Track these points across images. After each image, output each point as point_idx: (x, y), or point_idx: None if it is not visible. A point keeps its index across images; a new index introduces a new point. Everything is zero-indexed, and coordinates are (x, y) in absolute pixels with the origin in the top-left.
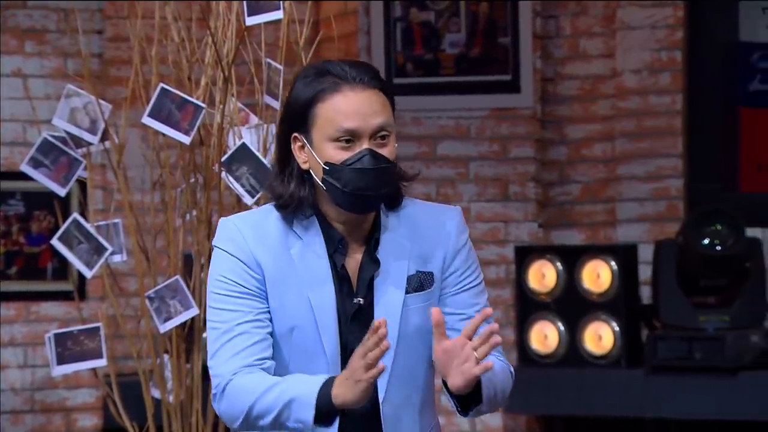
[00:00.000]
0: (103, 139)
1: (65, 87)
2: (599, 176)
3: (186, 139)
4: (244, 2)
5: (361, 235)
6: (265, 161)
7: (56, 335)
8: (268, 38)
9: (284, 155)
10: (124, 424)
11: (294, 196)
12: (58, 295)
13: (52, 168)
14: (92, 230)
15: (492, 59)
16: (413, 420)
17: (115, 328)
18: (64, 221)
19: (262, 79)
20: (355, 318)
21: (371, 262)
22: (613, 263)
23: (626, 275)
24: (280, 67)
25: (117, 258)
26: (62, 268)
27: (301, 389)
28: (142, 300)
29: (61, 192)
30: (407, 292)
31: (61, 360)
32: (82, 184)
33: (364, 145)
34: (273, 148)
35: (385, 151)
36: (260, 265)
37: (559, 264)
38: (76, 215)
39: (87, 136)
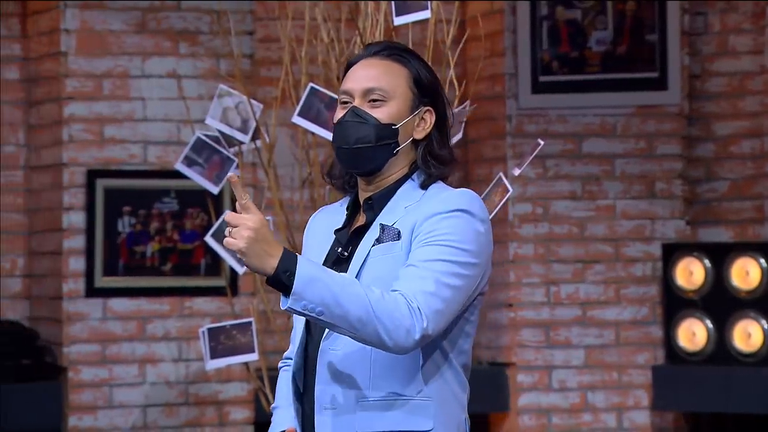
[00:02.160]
0: (254, 138)
1: (218, 87)
2: (747, 173)
3: None
4: (393, 2)
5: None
6: None
7: (209, 330)
8: (415, 37)
9: None
10: None
11: (331, 169)
12: (210, 290)
13: (205, 166)
14: None
15: (639, 56)
16: (356, 381)
17: (265, 324)
18: (216, 218)
19: None
20: (336, 268)
21: (367, 221)
22: (762, 261)
23: None
24: None
25: None
26: (215, 264)
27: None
28: None
29: (214, 190)
30: (373, 245)
31: (214, 354)
32: None
33: (355, 104)
34: None
35: (376, 112)
36: (306, 244)
37: (707, 261)
38: (228, 212)
39: (239, 135)
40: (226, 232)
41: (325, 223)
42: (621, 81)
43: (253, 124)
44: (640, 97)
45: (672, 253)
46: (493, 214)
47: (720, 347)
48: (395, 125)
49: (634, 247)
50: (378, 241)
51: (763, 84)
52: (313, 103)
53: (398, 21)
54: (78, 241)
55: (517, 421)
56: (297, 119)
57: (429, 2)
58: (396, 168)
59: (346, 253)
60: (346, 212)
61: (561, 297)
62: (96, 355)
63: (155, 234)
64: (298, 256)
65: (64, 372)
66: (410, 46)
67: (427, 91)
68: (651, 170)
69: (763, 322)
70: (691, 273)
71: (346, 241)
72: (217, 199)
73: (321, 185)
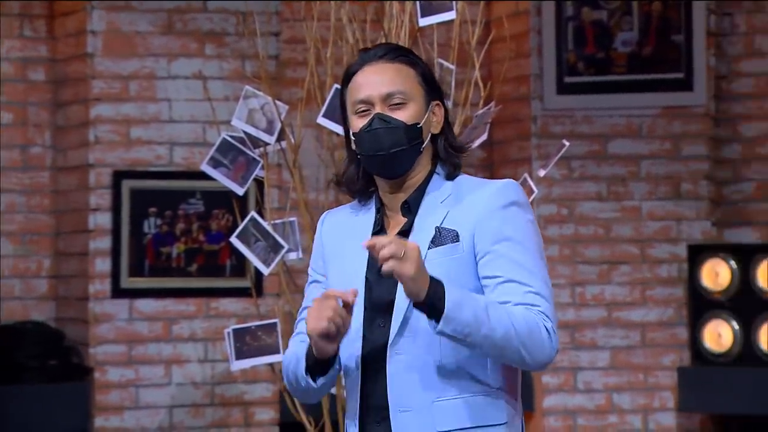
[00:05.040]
0: (279, 139)
1: (243, 88)
2: None
3: None
4: (418, 3)
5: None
6: None
7: (235, 331)
8: (440, 38)
9: (347, 139)
10: (300, 419)
11: (344, 175)
12: (236, 291)
13: (230, 167)
14: (269, 228)
15: (664, 57)
16: (427, 382)
17: (291, 324)
18: (242, 220)
19: None
20: (383, 272)
21: (407, 222)
22: None
23: None
24: (452, 67)
25: (293, 255)
26: (240, 265)
27: (302, 348)
28: None
29: (240, 191)
30: (429, 248)
31: (240, 355)
32: (259, 183)
33: (377, 110)
34: None
35: (399, 115)
36: (324, 247)
37: (733, 262)
38: (253, 214)
39: (264, 137)
40: (391, 251)
41: (345, 227)
42: (647, 82)
43: (278, 125)
44: (666, 98)
45: (698, 254)
46: None
47: (746, 348)
48: (419, 124)
49: (660, 248)
50: (434, 243)
51: None
52: (338, 104)
53: (423, 22)
54: (104, 242)
55: (543, 423)
56: (322, 120)
57: (454, 3)
58: (421, 166)
59: None
60: (376, 215)
61: (586, 298)
62: (122, 355)
63: (181, 235)
64: (443, 282)
65: (91, 373)
66: (435, 47)
67: (433, 85)
68: (677, 171)
69: None
70: (717, 274)
71: None
72: (243, 201)
73: None
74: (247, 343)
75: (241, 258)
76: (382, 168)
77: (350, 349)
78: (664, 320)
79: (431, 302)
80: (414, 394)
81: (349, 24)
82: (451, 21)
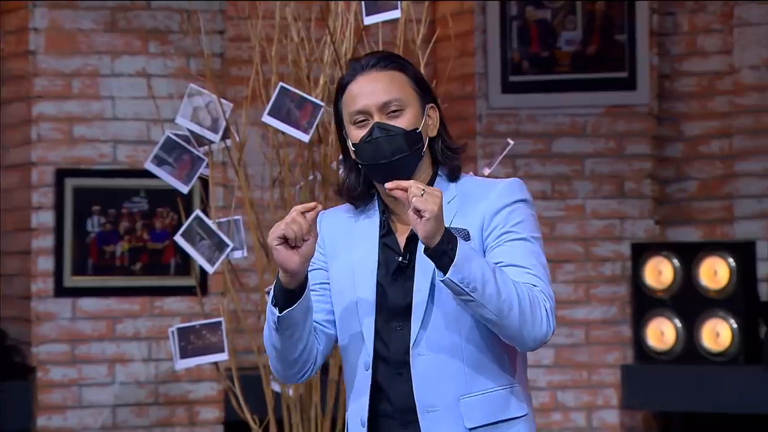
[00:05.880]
0: (224, 138)
1: (188, 86)
2: (716, 173)
3: (305, 137)
4: (363, 2)
5: None
6: None
7: (179, 330)
8: (385, 37)
9: (344, 149)
10: (244, 417)
11: (345, 184)
12: (180, 290)
13: (175, 166)
14: (214, 227)
15: (608, 57)
16: (452, 380)
17: (236, 323)
18: (186, 218)
19: None
20: (397, 275)
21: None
22: (730, 260)
23: (744, 272)
24: None
25: (237, 254)
26: (185, 263)
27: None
28: (262, 295)
29: (184, 189)
30: None
31: (184, 354)
32: (203, 181)
33: (376, 120)
34: None
35: (397, 122)
36: (323, 240)
37: (675, 261)
38: (198, 212)
39: (209, 135)
40: (413, 192)
41: (345, 230)
42: (590, 81)
43: (223, 124)
44: (609, 97)
45: (641, 252)
46: None
47: (689, 346)
48: (418, 129)
49: (603, 246)
50: None
51: (732, 84)
52: (283, 103)
53: (368, 20)
54: (47, 241)
55: None
56: (267, 118)
57: (399, 2)
58: (423, 170)
59: (405, 261)
60: (381, 217)
61: None
62: (65, 354)
63: (125, 233)
64: (456, 236)
65: (33, 372)
66: (380, 45)
67: (426, 88)
68: (620, 170)
69: (732, 321)
70: (660, 272)
71: (402, 248)
72: (187, 199)
73: (291, 184)
74: (192, 341)
75: (186, 256)
76: (385, 176)
77: (359, 351)
78: (608, 318)
79: (443, 249)
80: (439, 394)
81: (293, 22)
82: (396, 19)
